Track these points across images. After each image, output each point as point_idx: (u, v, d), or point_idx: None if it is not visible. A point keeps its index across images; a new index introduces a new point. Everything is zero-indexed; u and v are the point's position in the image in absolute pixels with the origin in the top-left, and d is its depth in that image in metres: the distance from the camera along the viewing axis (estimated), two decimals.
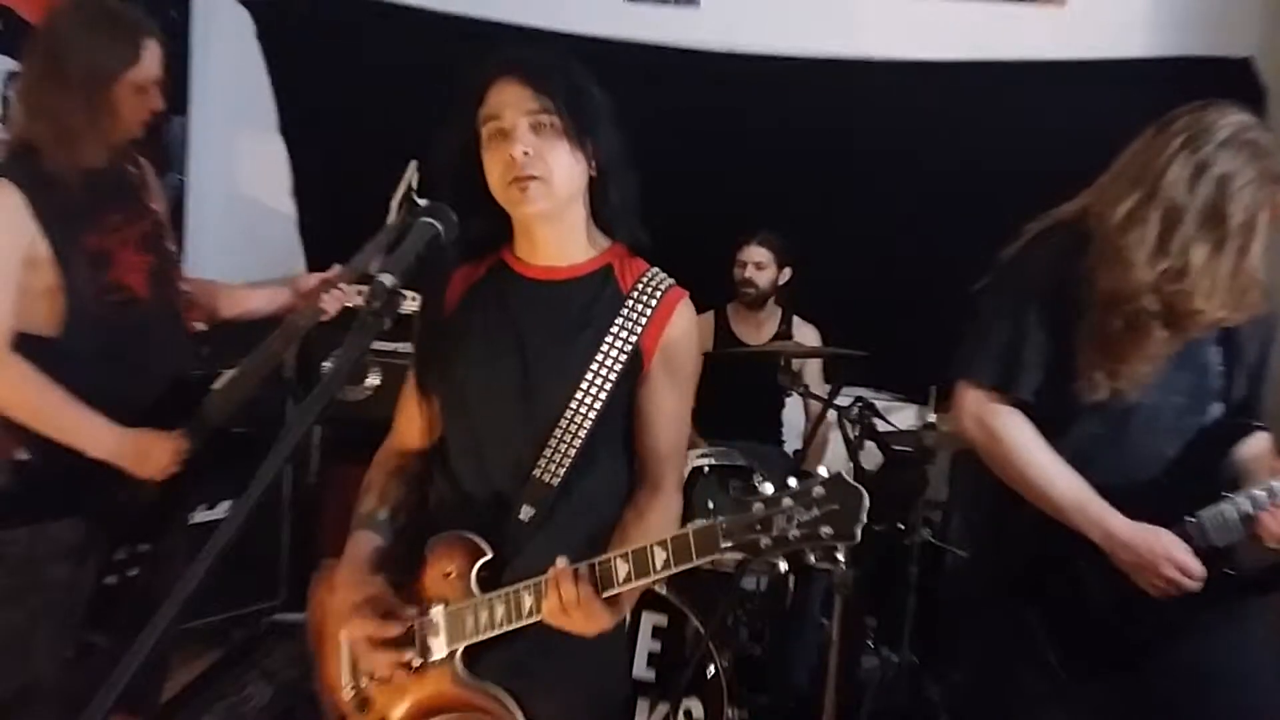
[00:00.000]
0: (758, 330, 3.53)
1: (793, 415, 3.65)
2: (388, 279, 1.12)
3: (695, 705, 2.41)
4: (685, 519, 2.92)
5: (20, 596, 1.86)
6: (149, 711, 2.14)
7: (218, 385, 2.06)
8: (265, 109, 3.99)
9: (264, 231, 3.98)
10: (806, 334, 3.53)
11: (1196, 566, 1.58)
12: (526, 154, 1.33)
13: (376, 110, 3.68)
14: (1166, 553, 1.58)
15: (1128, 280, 1.56)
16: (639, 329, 1.42)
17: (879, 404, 2.93)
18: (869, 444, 2.98)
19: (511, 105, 1.34)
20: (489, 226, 1.45)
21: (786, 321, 3.54)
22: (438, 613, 1.38)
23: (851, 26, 3.72)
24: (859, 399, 2.87)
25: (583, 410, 1.38)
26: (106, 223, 1.92)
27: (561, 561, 1.25)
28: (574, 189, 1.40)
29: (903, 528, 3.05)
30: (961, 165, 3.59)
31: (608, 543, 1.38)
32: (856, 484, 1.11)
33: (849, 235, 3.64)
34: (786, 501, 1.13)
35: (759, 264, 3.43)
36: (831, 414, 2.99)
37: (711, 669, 2.43)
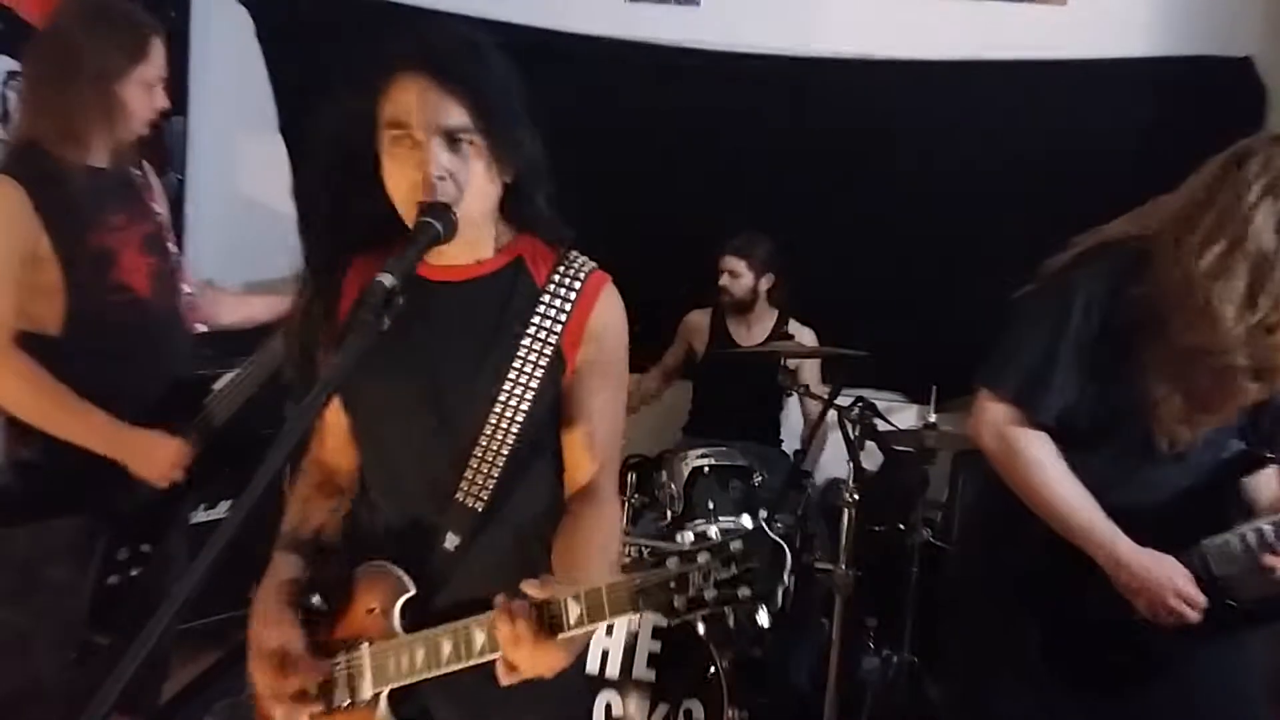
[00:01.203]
0: (749, 331, 3.53)
1: (793, 415, 3.66)
2: (386, 279, 1.12)
3: (695, 706, 2.41)
4: (685, 519, 2.95)
5: (22, 596, 1.87)
6: (149, 711, 2.14)
7: (219, 386, 2.06)
8: (265, 109, 3.98)
9: (264, 231, 3.94)
10: (803, 337, 3.53)
11: (1199, 597, 1.57)
12: (442, 179, 1.19)
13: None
14: (1171, 582, 1.56)
15: (1216, 334, 1.50)
16: (559, 325, 1.29)
17: (879, 404, 2.93)
18: (869, 444, 2.97)
19: (421, 113, 1.18)
20: (380, 213, 1.25)
21: (783, 322, 3.54)
22: (364, 652, 1.30)
23: (851, 25, 3.72)
24: (859, 399, 2.87)
25: (503, 424, 1.27)
26: (110, 223, 1.92)
27: (500, 599, 1.13)
28: (486, 207, 1.27)
29: (903, 528, 3.05)
30: (961, 164, 3.59)
31: (535, 557, 1.31)
32: (779, 540, 1.03)
33: (849, 234, 3.64)
34: (703, 557, 1.03)
35: (733, 273, 3.44)
36: (832, 414, 2.98)
37: (711, 669, 2.43)
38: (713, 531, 1.07)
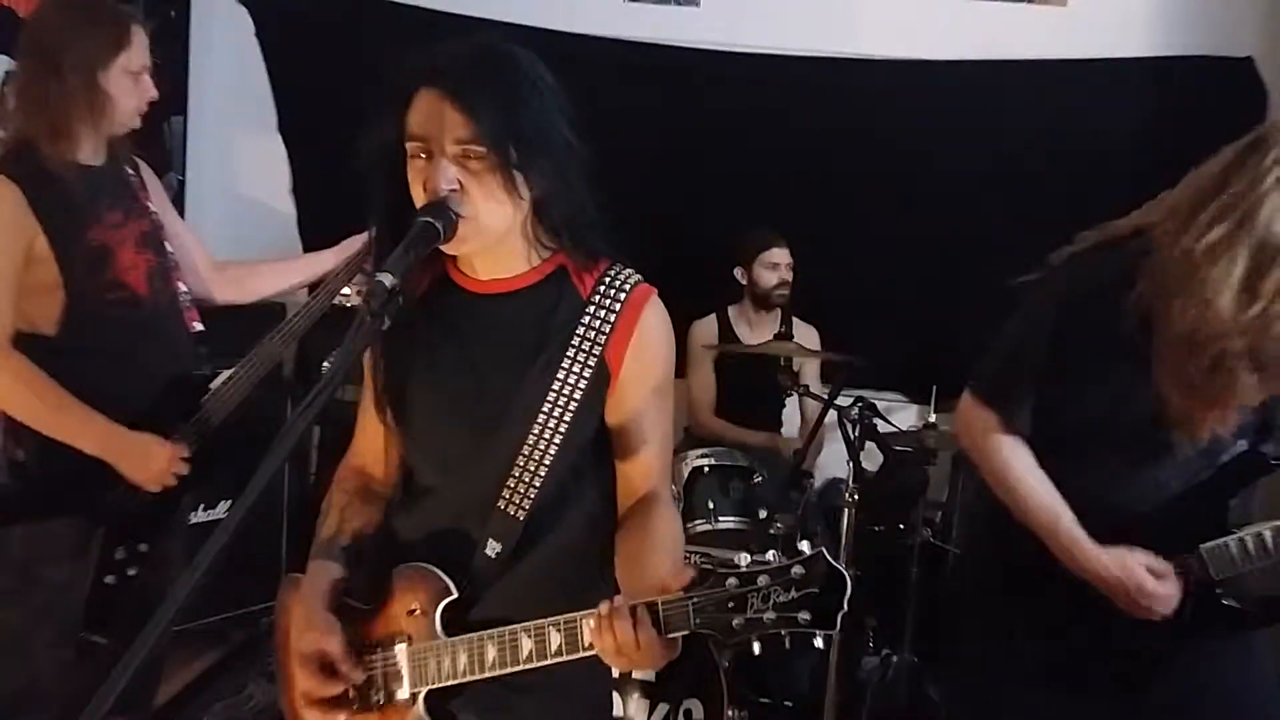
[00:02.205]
0: (760, 331, 3.52)
1: (793, 415, 3.65)
2: (387, 279, 1.11)
3: (695, 706, 2.41)
4: (685, 519, 2.95)
5: (19, 596, 1.87)
6: (143, 713, 2.13)
7: (217, 384, 2.06)
8: (264, 108, 3.98)
9: (263, 231, 3.97)
10: (806, 334, 3.52)
11: (1164, 594, 1.55)
12: (453, 190, 1.19)
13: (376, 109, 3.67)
14: (1134, 582, 1.55)
15: (1208, 318, 1.46)
16: (603, 338, 1.29)
17: (879, 404, 2.93)
18: (869, 444, 2.97)
19: (433, 127, 1.19)
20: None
21: (786, 322, 3.53)
22: (401, 652, 1.30)
23: (852, 25, 3.72)
24: (859, 399, 2.87)
25: (546, 435, 1.28)
26: (106, 220, 1.92)
27: (605, 605, 1.13)
28: (507, 225, 1.25)
29: (903, 528, 3.05)
30: (961, 164, 3.59)
31: (576, 571, 1.33)
32: (839, 567, 1.04)
33: (850, 234, 3.64)
34: (762, 579, 1.05)
35: (790, 264, 3.41)
36: (831, 414, 2.98)
37: (712, 669, 2.42)
38: (771, 554, 1.08)
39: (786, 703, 2.88)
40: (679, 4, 3.81)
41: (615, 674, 2.40)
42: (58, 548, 1.87)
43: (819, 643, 1.05)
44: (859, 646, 3.07)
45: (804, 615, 1.04)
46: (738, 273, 3.46)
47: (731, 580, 1.07)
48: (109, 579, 1.90)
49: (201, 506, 2.84)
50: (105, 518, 1.90)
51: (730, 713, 2.40)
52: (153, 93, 1.96)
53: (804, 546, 1.07)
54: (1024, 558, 1.70)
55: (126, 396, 1.91)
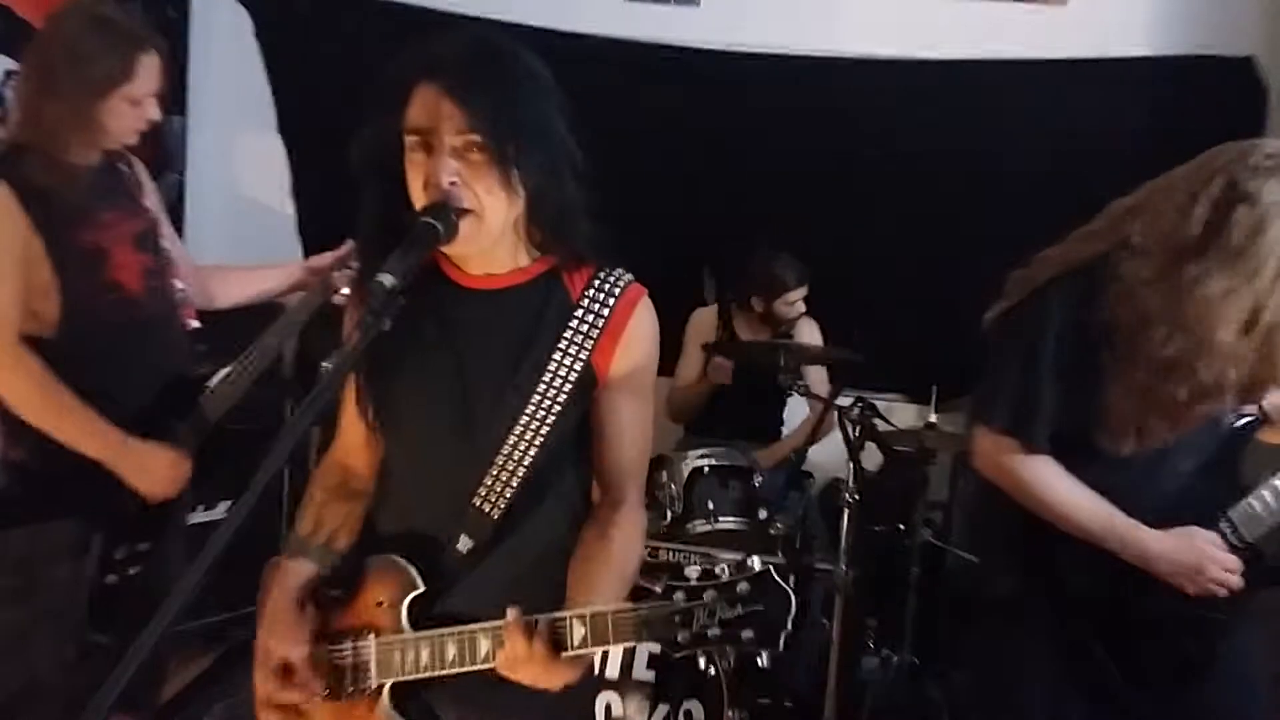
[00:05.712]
0: (755, 332, 3.51)
1: (793, 415, 3.65)
2: (387, 279, 1.11)
3: (695, 706, 2.41)
4: (685, 519, 2.94)
5: (21, 596, 1.87)
6: (147, 712, 2.13)
7: (214, 382, 2.06)
8: (264, 108, 3.98)
9: (263, 231, 3.97)
10: (808, 330, 3.52)
11: (1233, 561, 1.62)
12: (454, 183, 1.19)
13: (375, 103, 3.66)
14: (1208, 555, 1.61)
15: (1201, 349, 1.51)
16: (591, 342, 1.29)
17: (879, 404, 2.92)
18: (869, 444, 2.97)
19: (432, 120, 1.20)
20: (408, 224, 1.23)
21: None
22: (370, 643, 1.31)
23: (851, 25, 3.72)
24: (859, 399, 2.87)
25: (528, 436, 1.28)
26: (100, 220, 1.92)
27: (513, 613, 1.16)
28: (503, 218, 1.25)
29: (903, 528, 3.05)
30: (961, 164, 3.58)
31: (554, 571, 1.33)
32: (785, 585, 1.06)
33: (849, 234, 3.63)
34: (709, 594, 1.07)
35: (798, 304, 3.36)
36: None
37: (711, 670, 2.42)
38: (719, 568, 1.09)
39: (786, 703, 2.88)
40: (679, 4, 3.81)
41: (613, 674, 2.41)
42: (58, 548, 1.87)
43: (763, 662, 1.07)
44: (859, 646, 3.07)
45: (747, 633, 1.05)
46: (755, 302, 3.38)
47: (678, 595, 1.08)
48: (110, 579, 1.91)
49: (201, 506, 2.83)
50: (105, 518, 1.90)
51: (730, 713, 2.39)
52: (154, 115, 1.94)
53: (754, 563, 1.08)
54: (1047, 565, 1.71)
55: (124, 396, 1.91)
